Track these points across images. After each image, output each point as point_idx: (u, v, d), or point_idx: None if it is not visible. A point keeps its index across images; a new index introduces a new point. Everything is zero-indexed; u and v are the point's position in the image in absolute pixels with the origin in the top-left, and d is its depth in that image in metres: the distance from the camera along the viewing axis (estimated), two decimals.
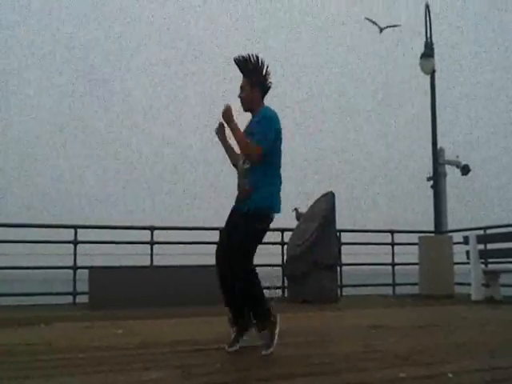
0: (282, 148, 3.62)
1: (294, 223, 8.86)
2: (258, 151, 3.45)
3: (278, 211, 3.60)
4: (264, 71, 3.63)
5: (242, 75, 3.63)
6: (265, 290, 3.75)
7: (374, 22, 21.53)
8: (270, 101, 3.69)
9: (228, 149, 3.73)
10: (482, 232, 9.12)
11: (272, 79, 3.66)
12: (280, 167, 3.64)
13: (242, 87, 3.63)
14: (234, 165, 3.73)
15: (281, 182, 3.64)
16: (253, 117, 3.65)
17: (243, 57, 3.61)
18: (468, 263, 8.43)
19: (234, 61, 3.63)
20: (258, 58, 3.62)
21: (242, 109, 3.62)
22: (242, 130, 3.57)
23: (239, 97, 3.64)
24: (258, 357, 3.35)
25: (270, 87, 3.68)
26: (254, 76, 3.60)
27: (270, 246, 8.84)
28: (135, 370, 3.00)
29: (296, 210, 9.20)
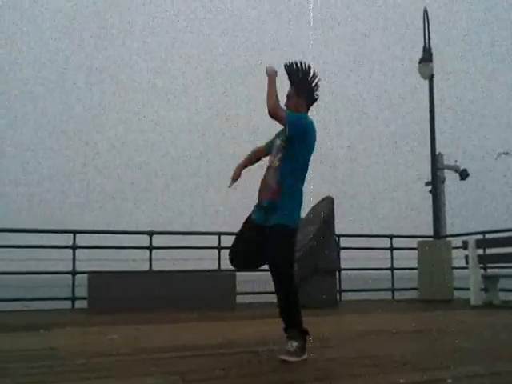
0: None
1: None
2: (281, 114, 3.45)
3: (297, 228, 3.58)
4: (314, 83, 3.58)
5: (289, 83, 3.57)
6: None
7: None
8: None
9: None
10: (480, 237, 9.11)
11: (320, 92, 3.61)
12: (304, 181, 3.58)
13: (288, 96, 3.57)
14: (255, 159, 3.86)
15: (302, 195, 3.58)
16: None
17: (296, 64, 3.54)
18: (467, 268, 8.43)
19: (285, 67, 3.55)
20: (309, 67, 3.55)
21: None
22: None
23: (285, 106, 3.55)
24: (258, 363, 3.34)
25: (316, 99, 3.64)
26: (302, 85, 3.54)
27: None
28: (133, 376, 3.00)
29: None
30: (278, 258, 3.38)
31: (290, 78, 3.58)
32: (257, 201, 3.62)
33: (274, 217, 3.44)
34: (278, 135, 3.69)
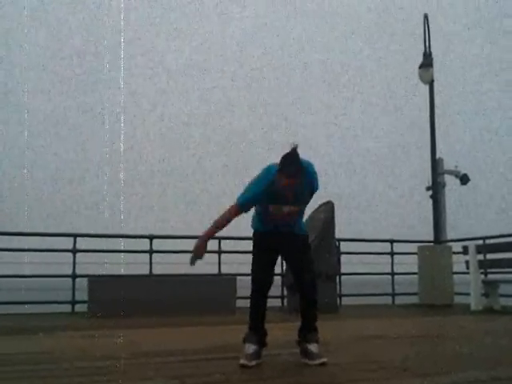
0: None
1: None
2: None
3: None
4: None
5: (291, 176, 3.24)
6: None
7: None
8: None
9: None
10: (481, 242, 9.10)
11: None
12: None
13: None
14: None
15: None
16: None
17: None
18: (467, 273, 8.42)
19: (294, 156, 3.22)
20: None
21: None
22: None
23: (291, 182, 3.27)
24: (257, 368, 3.34)
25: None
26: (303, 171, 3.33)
27: None
28: (132, 380, 2.99)
29: None
30: (311, 264, 3.72)
31: (296, 172, 3.25)
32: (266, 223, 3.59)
33: (297, 228, 3.65)
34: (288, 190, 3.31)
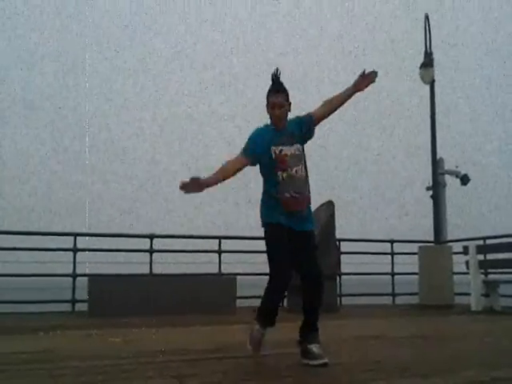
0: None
1: None
2: None
3: None
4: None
5: (275, 92, 3.50)
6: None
7: None
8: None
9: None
10: (481, 242, 9.10)
11: None
12: None
13: (280, 104, 3.48)
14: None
15: None
16: (283, 128, 3.53)
17: (279, 72, 3.53)
18: (468, 273, 8.42)
19: (275, 77, 3.52)
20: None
21: None
22: None
23: (277, 115, 3.49)
24: (258, 368, 3.34)
25: None
26: (287, 91, 3.55)
27: None
28: (132, 380, 2.99)
29: None
30: (318, 261, 3.63)
31: (280, 87, 3.52)
32: (282, 210, 3.49)
33: (307, 223, 3.67)
34: (278, 142, 3.49)
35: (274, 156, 3.46)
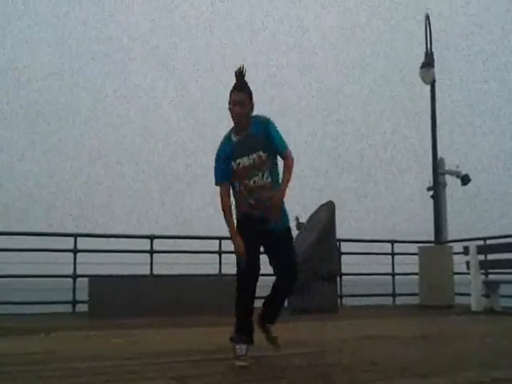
0: None
1: (293, 232, 8.83)
2: (291, 157, 3.55)
3: None
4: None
5: (237, 89, 3.49)
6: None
7: None
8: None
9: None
10: (482, 242, 9.10)
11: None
12: None
13: (241, 102, 3.46)
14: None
15: None
16: (245, 129, 3.53)
17: (245, 70, 3.49)
18: (468, 273, 8.41)
19: (238, 73, 3.49)
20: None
21: None
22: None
23: (237, 112, 3.48)
24: (258, 368, 3.34)
25: None
26: (250, 90, 3.53)
27: None
28: (132, 380, 2.99)
29: (297, 218, 9.14)
30: (296, 259, 3.74)
31: (242, 85, 3.49)
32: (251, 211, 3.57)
33: (282, 219, 3.69)
34: (237, 154, 3.50)
35: (234, 168, 3.52)
